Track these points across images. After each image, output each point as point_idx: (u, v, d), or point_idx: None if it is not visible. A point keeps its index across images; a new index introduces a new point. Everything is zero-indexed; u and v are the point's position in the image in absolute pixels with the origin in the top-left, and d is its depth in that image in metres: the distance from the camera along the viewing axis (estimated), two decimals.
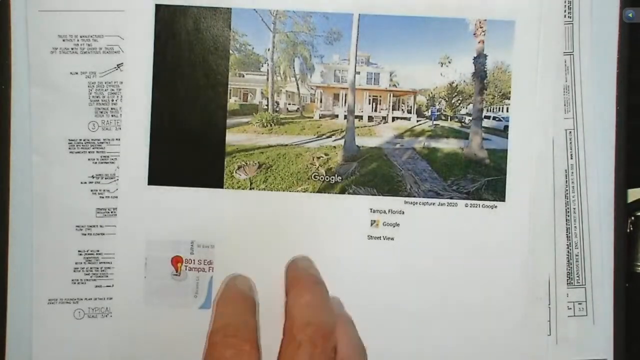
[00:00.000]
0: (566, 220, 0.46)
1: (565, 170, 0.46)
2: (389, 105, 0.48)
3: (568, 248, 0.46)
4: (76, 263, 0.46)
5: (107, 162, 0.46)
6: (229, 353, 0.37)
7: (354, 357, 0.40)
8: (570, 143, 0.46)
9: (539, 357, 0.46)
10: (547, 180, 0.46)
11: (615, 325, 0.46)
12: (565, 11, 0.46)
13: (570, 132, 0.46)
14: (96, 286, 0.47)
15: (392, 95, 0.48)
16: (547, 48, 0.46)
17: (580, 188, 0.46)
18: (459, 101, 0.47)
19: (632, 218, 0.47)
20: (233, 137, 0.47)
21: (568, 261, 0.46)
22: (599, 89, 0.46)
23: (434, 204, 0.47)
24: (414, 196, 0.47)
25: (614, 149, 0.46)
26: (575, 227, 0.46)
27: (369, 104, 0.48)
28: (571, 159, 0.46)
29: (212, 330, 0.39)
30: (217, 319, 0.40)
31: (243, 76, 0.47)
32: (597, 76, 0.46)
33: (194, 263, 0.47)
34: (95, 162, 0.46)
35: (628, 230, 0.47)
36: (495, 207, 0.46)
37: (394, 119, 0.48)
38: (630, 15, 0.45)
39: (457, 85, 0.47)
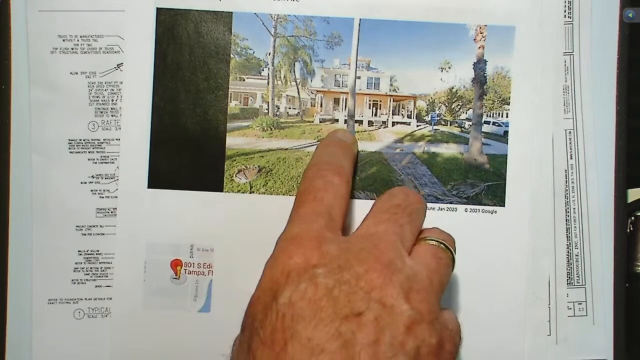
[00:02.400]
0: (566, 220, 0.47)
1: (565, 170, 0.47)
2: (389, 110, 0.48)
3: (568, 248, 0.47)
4: (76, 263, 0.46)
5: (107, 162, 0.46)
6: (319, 183, 0.39)
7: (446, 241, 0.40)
8: (570, 143, 0.47)
9: (539, 357, 0.46)
10: (547, 181, 0.46)
11: (615, 325, 0.46)
12: (565, 11, 0.47)
13: (570, 132, 0.47)
14: (96, 286, 0.46)
15: (392, 100, 0.48)
16: (547, 48, 0.46)
17: (580, 188, 0.47)
18: (459, 106, 0.47)
19: (632, 218, 0.48)
20: (233, 141, 0.47)
21: (568, 261, 0.47)
22: (599, 88, 0.47)
23: (433, 208, 0.47)
24: None
25: (614, 149, 0.46)
26: (575, 227, 0.47)
27: (369, 108, 0.48)
28: (571, 159, 0.46)
29: (307, 166, 0.41)
30: (314, 158, 0.43)
31: (244, 80, 0.47)
32: (597, 76, 0.47)
33: (193, 266, 0.46)
34: (95, 162, 0.46)
35: (628, 230, 0.48)
36: (495, 212, 0.46)
37: (394, 123, 0.48)
38: (630, 15, 0.46)
39: (457, 90, 0.47)
